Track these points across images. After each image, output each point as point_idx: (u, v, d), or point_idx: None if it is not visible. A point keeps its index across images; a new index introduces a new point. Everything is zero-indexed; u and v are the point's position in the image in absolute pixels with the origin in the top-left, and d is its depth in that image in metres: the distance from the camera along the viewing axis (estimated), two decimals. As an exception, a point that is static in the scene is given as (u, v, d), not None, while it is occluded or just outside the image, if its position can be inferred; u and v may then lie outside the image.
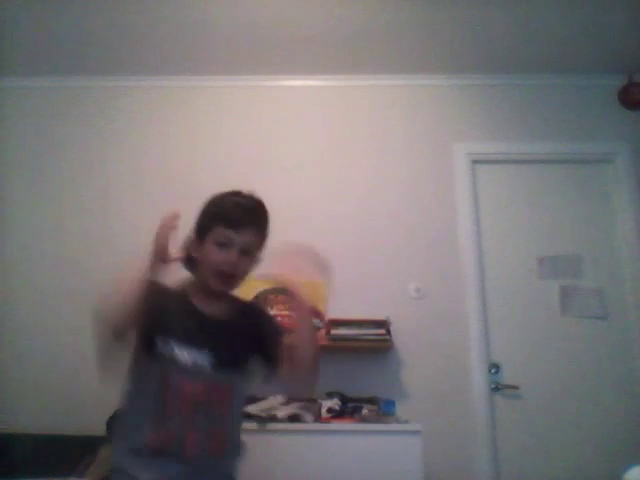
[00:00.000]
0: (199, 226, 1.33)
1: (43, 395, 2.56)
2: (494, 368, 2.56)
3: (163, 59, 2.84)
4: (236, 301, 1.36)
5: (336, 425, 2.14)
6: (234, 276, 1.25)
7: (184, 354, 1.21)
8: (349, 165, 2.84)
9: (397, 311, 2.53)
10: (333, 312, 2.47)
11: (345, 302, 2.50)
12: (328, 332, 2.38)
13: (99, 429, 2.25)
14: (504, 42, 2.67)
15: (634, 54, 2.73)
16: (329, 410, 2.19)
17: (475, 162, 2.83)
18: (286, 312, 2.50)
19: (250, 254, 1.27)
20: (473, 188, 2.80)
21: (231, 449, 1.27)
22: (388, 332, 2.43)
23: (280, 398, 2.18)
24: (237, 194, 1.37)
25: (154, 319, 1.21)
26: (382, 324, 2.43)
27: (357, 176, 2.82)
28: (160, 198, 2.84)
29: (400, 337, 2.51)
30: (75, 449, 2.21)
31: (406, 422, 2.24)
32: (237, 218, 1.27)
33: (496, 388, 2.53)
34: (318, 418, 2.15)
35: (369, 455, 2.05)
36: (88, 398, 2.52)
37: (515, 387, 2.52)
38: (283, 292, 1.90)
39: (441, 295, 2.65)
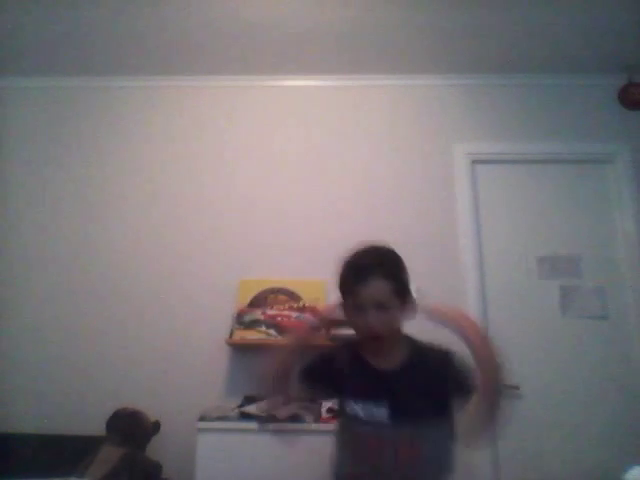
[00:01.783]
0: (340, 292, 1.33)
1: (43, 395, 2.56)
2: (494, 368, 2.55)
3: (163, 59, 2.84)
4: (410, 347, 1.34)
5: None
6: (379, 333, 1.25)
7: (361, 409, 1.25)
8: (349, 165, 2.85)
9: (397, 311, 2.53)
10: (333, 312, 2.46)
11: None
12: (328, 332, 2.38)
13: (99, 429, 2.26)
14: (504, 42, 2.67)
15: (634, 54, 2.73)
16: (329, 410, 2.19)
17: (475, 162, 2.83)
18: (286, 312, 2.51)
19: (386, 306, 1.24)
20: (473, 188, 2.80)
21: None
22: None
23: (280, 398, 2.18)
24: (357, 253, 1.33)
25: (332, 386, 1.31)
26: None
27: (356, 176, 2.83)
28: (160, 198, 2.84)
29: (400, 337, 2.50)
30: (75, 449, 2.21)
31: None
32: (357, 278, 1.25)
33: (496, 388, 2.53)
34: (318, 418, 2.15)
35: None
36: (88, 398, 2.53)
37: (515, 387, 2.52)
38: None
39: (441, 295, 2.63)
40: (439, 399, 1.26)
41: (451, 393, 1.27)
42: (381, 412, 1.23)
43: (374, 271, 1.25)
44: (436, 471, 1.25)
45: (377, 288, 1.23)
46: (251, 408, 2.16)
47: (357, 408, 1.25)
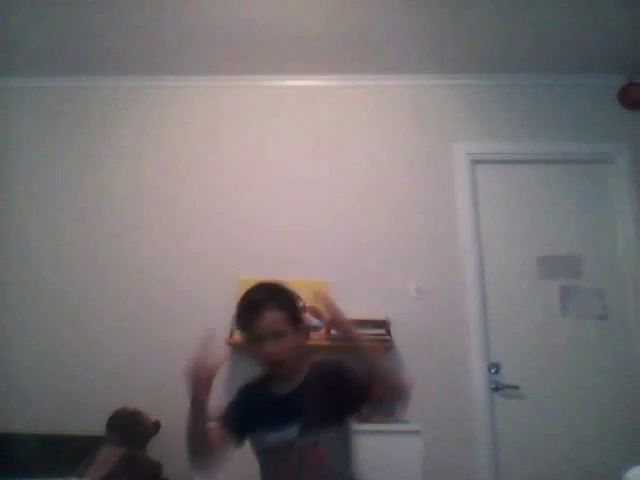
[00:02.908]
0: (239, 330, 1.42)
1: (43, 395, 2.56)
2: (494, 368, 2.56)
3: (163, 59, 2.84)
4: (307, 367, 1.40)
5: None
6: (279, 359, 1.32)
7: (274, 437, 1.32)
8: (349, 165, 2.85)
9: (397, 311, 2.53)
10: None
11: (345, 302, 2.48)
12: (328, 332, 2.38)
13: (99, 429, 2.26)
14: (504, 42, 2.67)
15: (634, 54, 2.73)
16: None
17: (475, 162, 2.83)
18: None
19: (282, 334, 1.32)
20: (473, 188, 2.80)
21: None
22: (388, 332, 2.43)
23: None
24: (248, 292, 1.40)
25: (243, 426, 1.37)
26: (382, 324, 2.42)
27: (357, 176, 2.83)
28: (159, 197, 2.84)
29: (400, 337, 2.51)
30: (75, 449, 2.21)
31: (406, 422, 2.24)
32: (252, 313, 1.33)
33: (496, 388, 2.53)
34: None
35: (369, 455, 2.04)
36: (88, 398, 2.53)
37: (515, 387, 2.52)
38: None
39: (441, 295, 2.65)
40: (337, 406, 1.32)
41: (348, 397, 1.33)
42: (292, 431, 1.30)
43: (266, 304, 1.33)
44: (339, 469, 1.34)
45: (270, 319, 1.31)
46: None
47: (271, 438, 1.32)
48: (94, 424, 2.29)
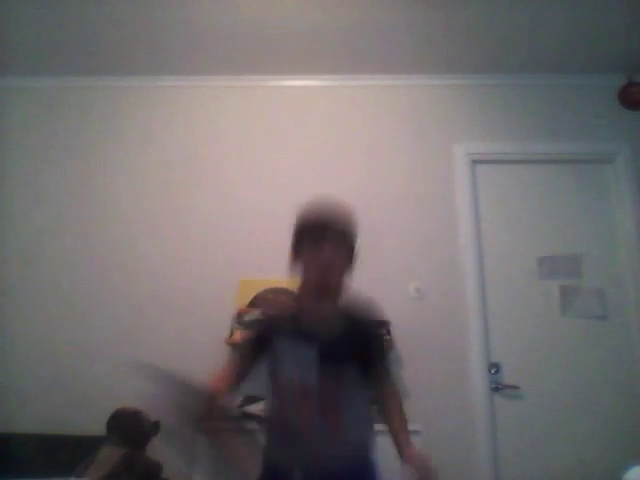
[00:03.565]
0: (295, 243, 1.46)
1: (43, 395, 2.56)
2: (494, 368, 2.56)
3: (163, 59, 2.84)
4: (341, 310, 1.45)
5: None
6: (333, 267, 1.38)
7: (290, 348, 1.37)
8: (348, 165, 2.85)
9: (397, 311, 2.53)
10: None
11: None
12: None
13: (99, 429, 2.25)
14: (504, 42, 2.67)
15: (634, 54, 2.73)
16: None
17: (475, 162, 2.83)
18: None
19: (343, 247, 1.40)
20: (473, 188, 2.80)
21: (351, 446, 1.36)
22: (388, 332, 2.43)
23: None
24: (314, 206, 1.48)
25: (267, 340, 1.42)
26: (382, 324, 2.42)
27: (356, 176, 2.83)
28: (160, 197, 2.84)
29: (400, 337, 2.51)
30: (75, 449, 2.21)
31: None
32: (321, 222, 1.41)
33: (496, 388, 2.53)
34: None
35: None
36: (88, 398, 2.53)
37: (515, 387, 2.52)
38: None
39: (441, 295, 2.65)
40: (361, 362, 1.38)
41: (364, 356, 1.39)
42: (310, 352, 1.34)
43: (350, 225, 1.44)
44: (354, 407, 1.38)
45: (348, 234, 1.42)
46: (251, 408, 2.16)
47: (287, 347, 1.37)
48: (94, 424, 2.29)
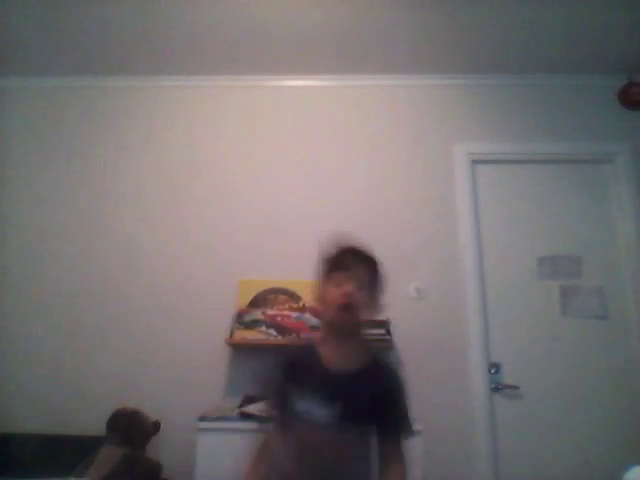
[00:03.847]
0: (320, 279, 1.42)
1: (43, 395, 2.56)
2: (494, 368, 2.56)
3: (163, 59, 2.84)
4: (365, 352, 1.39)
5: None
6: (352, 305, 1.31)
7: (310, 407, 1.29)
8: (349, 165, 2.85)
9: (397, 311, 2.53)
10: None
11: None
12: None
13: (99, 429, 2.26)
14: (504, 42, 2.67)
15: (634, 54, 2.73)
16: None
17: (475, 162, 2.83)
18: (286, 312, 2.51)
19: (365, 288, 1.34)
20: (473, 188, 2.80)
21: None
22: (388, 332, 2.43)
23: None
24: (346, 243, 1.45)
25: (288, 387, 1.33)
26: (382, 324, 2.42)
27: (357, 176, 2.83)
28: (160, 197, 2.84)
29: (400, 337, 2.51)
30: (75, 449, 2.21)
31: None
32: (347, 259, 1.38)
33: (496, 388, 2.53)
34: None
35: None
36: (88, 398, 2.53)
37: (515, 387, 2.52)
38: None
39: (441, 295, 2.65)
40: (375, 415, 1.31)
41: (383, 419, 1.32)
42: (330, 412, 1.28)
43: (362, 259, 1.39)
44: (359, 471, 1.32)
45: (364, 273, 1.36)
46: (251, 408, 2.16)
47: (306, 406, 1.29)
48: (94, 424, 2.30)
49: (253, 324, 2.47)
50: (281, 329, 2.45)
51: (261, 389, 1.36)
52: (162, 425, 2.32)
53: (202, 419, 2.16)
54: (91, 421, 2.34)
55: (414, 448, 2.04)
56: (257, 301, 2.56)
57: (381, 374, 1.37)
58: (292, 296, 2.56)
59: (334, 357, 1.34)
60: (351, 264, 1.36)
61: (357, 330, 1.39)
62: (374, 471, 1.34)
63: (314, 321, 2.45)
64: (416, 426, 2.08)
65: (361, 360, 1.36)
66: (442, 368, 2.54)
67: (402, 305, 2.59)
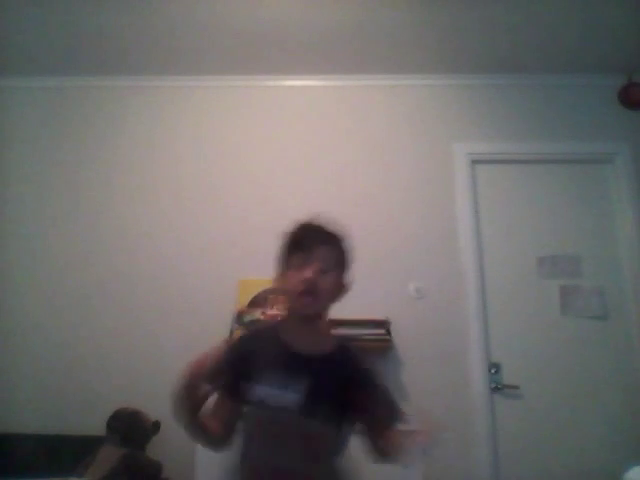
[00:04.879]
0: (280, 261, 1.31)
1: (43, 395, 2.56)
2: (494, 368, 2.56)
3: (163, 59, 2.84)
4: (330, 337, 1.31)
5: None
6: (314, 293, 1.19)
7: (270, 393, 1.17)
8: (348, 165, 2.85)
9: (397, 311, 2.53)
10: (333, 312, 2.46)
11: (345, 302, 2.48)
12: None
13: (99, 429, 2.26)
14: (504, 42, 2.67)
15: (634, 54, 2.73)
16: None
17: (475, 162, 2.83)
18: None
19: (328, 272, 1.22)
20: (473, 188, 2.80)
21: None
22: (388, 332, 2.43)
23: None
24: (306, 221, 1.31)
25: (237, 371, 1.21)
26: (382, 324, 2.43)
27: (356, 176, 2.82)
28: (160, 197, 2.84)
29: (400, 337, 2.51)
30: (75, 449, 2.21)
31: (406, 422, 2.24)
32: (308, 239, 1.25)
33: (496, 388, 2.53)
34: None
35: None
36: (88, 398, 2.53)
37: (515, 387, 2.52)
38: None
39: (441, 295, 2.65)
40: (346, 401, 1.19)
41: (357, 405, 1.19)
42: (293, 397, 1.15)
43: (336, 238, 1.28)
44: (330, 464, 1.21)
45: (327, 254, 1.23)
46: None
47: (265, 390, 1.17)
48: (94, 424, 2.30)
49: (253, 324, 2.47)
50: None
51: (209, 370, 1.18)
52: (162, 425, 2.32)
53: (202, 419, 2.16)
54: (91, 421, 2.34)
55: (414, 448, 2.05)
56: (257, 301, 2.56)
57: (348, 358, 1.25)
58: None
59: (297, 341, 1.23)
60: (312, 244, 1.23)
61: (321, 315, 1.28)
62: (349, 471, 1.24)
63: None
64: (416, 426, 2.10)
65: (326, 344, 1.26)
66: (442, 368, 2.54)
67: (402, 305, 2.60)
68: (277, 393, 1.16)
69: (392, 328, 2.45)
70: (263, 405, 1.16)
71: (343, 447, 1.25)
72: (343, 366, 1.22)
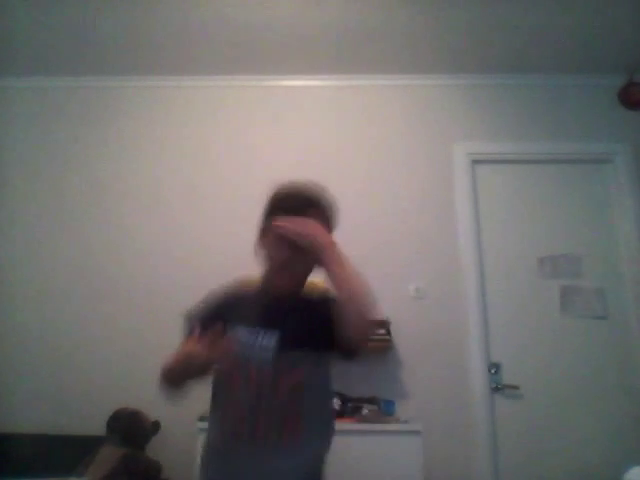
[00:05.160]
0: (262, 225, 1.28)
1: (43, 395, 2.56)
2: (494, 368, 2.56)
3: (163, 59, 2.84)
4: (309, 287, 1.27)
5: (336, 425, 2.13)
6: (296, 252, 1.16)
7: (247, 335, 1.17)
8: (349, 165, 2.84)
9: (397, 311, 2.53)
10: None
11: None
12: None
13: (99, 429, 2.26)
14: (504, 42, 2.67)
15: (634, 54, 2.73)
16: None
17: (475, 162, 2.83)
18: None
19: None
20: (473, 188, 2.80)
21: (309, 439, 1.16)
22: (388, 332, 2.43)
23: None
24: (293, 184, 1.27)
25: (220, 317, 1.19)
26: (382, 324, 2.42)
27: (356, 176, 2.82)
28: (159, 197, 2.84)
29: (400, 337, 2.51)
30: (75, 449, 2.21)
31: (406, 422, 2.24)
32: (295, 204, 1.21)
33: (496, 388, 2.53)
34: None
35: (369, 455, 2.05)
36: (88, 398, 2.53)
37: (515, 387, 2.52)
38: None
39: (441, 295, 2.65)
40: (324, 340, 1.16)
41: (328, 331, 1.15)
42: (269, 340, 1.16)
43: (323, 204, 1.25)
44: (316, 401, 1.20)
45: (320, 217, 1.20)
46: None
47: (243, 334, 1.18)
48: (94, 424, 2.29)
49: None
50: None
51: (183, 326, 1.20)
52: (162, 425, 2.32)
53: (202, 419, 2.16)
54: (91, 421, 2.34)
55: (414, 448, 2.06)
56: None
57: (325, 300, 1.21)
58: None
59: (276, 285, 1.23)
60: (299, 210, 1.18)
61: (304, 277, 1.24)
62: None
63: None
64: (416, 426, 2.10)
65: (305, 296, 1.25)
66: (442, 368, 2.54)
67: (402, 305, 2.59)
68: (249, 342, 1.17)
69: (392, 328, 2.45)
70: (243, 345, 1.17)
71: (327, 382, 1.25)
72: (320, 307, 1.20)
